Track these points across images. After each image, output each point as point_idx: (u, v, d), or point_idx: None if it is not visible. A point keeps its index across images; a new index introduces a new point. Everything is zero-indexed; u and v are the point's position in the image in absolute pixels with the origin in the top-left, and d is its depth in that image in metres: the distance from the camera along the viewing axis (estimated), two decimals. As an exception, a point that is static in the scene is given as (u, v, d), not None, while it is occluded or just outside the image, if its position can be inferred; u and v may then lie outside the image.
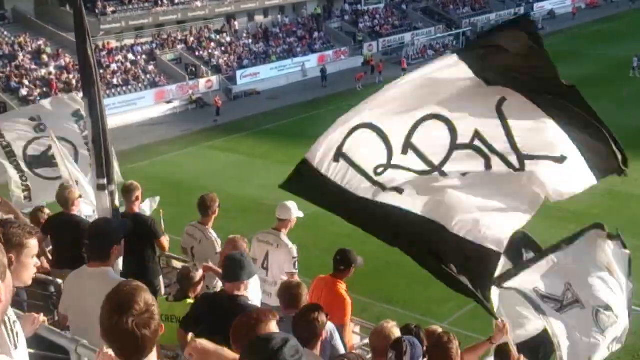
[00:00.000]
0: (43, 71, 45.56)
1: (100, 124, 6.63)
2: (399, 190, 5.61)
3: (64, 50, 46.78)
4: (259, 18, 60.49)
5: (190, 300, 7.17)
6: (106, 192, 6.67)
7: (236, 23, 58.27)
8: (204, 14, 56.32)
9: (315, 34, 60.34)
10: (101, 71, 45.66)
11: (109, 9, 51.36)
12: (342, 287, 8.08)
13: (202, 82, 50.39)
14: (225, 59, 53.74)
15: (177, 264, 10.56)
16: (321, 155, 5.46)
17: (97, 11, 50.30)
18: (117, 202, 7.00)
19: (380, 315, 17.18)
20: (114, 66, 48.51)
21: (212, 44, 55.00)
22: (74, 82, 43.12)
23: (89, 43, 6.58)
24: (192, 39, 54.45)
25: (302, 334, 5.24)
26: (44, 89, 43.53)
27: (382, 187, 5.61)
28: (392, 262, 22.60)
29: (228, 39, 56.26)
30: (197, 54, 53.28)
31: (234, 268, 6.13)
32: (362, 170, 5.55)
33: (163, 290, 9.07)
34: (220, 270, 7.56)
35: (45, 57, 46.78)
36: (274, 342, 3.21)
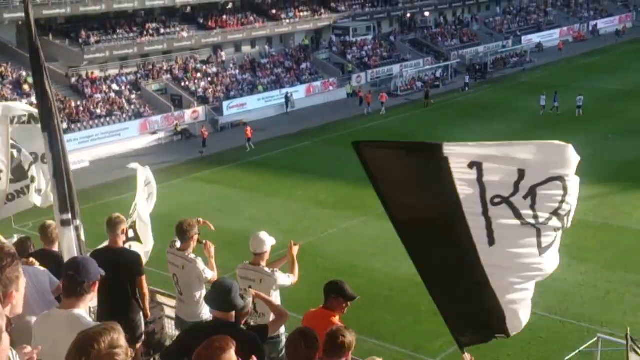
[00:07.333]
0: (25, 101, 44.95)
1: (62, 158, 6.40)
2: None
3: (47, 80, 46.19)
4: (246, 49, 60.39)
5: None
6: (71, 227, 6.37)
7: (223, 54, 58.10)
8: (190, 44, 56.13)
9: (303, 65, 60.22)
10: (84, 101, 45.36)
11: (93, 39, 51.07)
12: (337, 319, 7.32)
13: (187, 112, 49.98)
14: (212, 89, 53.40)
15: (162, 299, 10.15)
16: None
17: (80, 40, 50.07)
18: (82, 237, 6.68)
19: (370, 351, 16.61)
20: (97, 96, 48.04)
21: (198, 75, 54.69)
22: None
23: (45, 75, 6.40)
24: (177, 69, 54.14)
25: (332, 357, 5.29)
26: (27, 119, 42.94)
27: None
28: (381, 297, 22.16)
29: (214, 69, 56.00)
30: (182, 84, 52.94)
31: (225, 296, 5.99)
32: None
33: (143, 327, 8.65)
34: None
35: (26, 87, 46.28)
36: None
